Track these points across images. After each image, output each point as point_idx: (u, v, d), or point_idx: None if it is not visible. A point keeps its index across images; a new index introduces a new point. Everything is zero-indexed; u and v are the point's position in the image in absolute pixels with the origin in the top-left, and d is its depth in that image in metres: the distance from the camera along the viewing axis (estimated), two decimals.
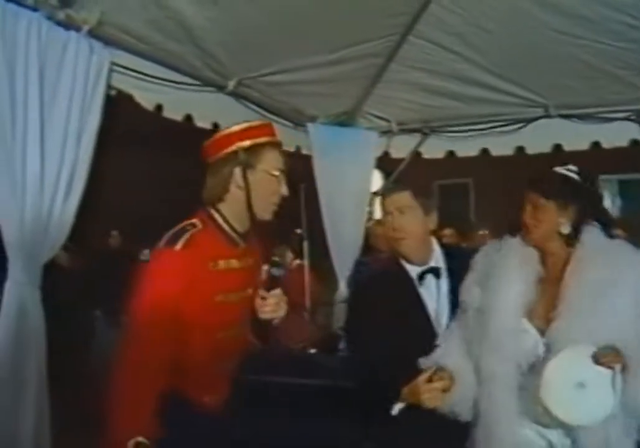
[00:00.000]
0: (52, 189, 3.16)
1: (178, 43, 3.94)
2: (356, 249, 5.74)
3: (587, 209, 2.34)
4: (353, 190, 5.64)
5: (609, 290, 2.18)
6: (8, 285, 3.08)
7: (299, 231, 6.56)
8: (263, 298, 2.40)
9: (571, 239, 2.32)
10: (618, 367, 2.04)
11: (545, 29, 4.22)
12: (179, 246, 2.21)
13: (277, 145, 2.42)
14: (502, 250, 2.45)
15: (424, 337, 2.59)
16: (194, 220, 2.32)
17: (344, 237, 5.67)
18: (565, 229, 2.31)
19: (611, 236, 2.37)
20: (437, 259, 2.77)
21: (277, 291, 2.42)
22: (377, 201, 4.77)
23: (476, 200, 11.59)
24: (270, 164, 2.35)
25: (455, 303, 2.56)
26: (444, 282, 2.71)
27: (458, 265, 2.60)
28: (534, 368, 2.22)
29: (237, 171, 2.31)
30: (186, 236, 2.24)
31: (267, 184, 2.35)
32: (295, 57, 4.49)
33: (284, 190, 2.40)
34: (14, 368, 3.06)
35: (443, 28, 4.44)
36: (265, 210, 2.37)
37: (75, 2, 3.30)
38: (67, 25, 3.30)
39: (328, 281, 6.01)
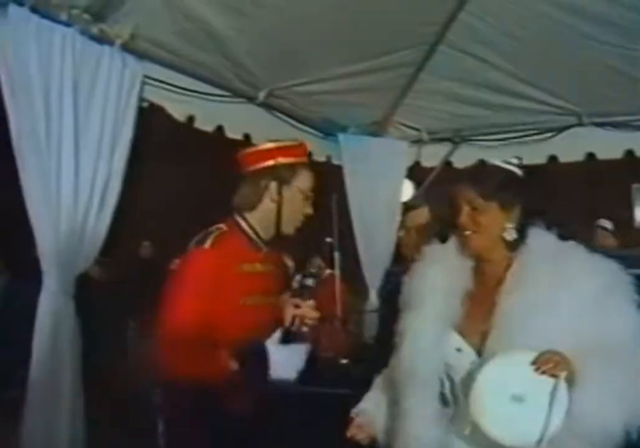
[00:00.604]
0: (86, 200, 3.22)
1: (209, 55, 3.99)
2: (387, 258, 5.71)
3: (532, 208, 2.01)
4: (383, 199, 5.63)
5: (555, 296, 1.84)
6: (43, 295, 3.14)
7: (329, 240, 6.56)
8: (297, 306, 2.47)
9: (514, 244, 1.98)
10: (563, 374, 1.70)
11: (577, 37, 4.17)
12: (207, 245, 2.31)
13: (309, 166, 2.52)
14: (424, 261, 2.14)
15: None
16: (220, 225, 2.42)
17: (374, 246, 5.66)
18: (510, 235, 1.97)
19: (562, 237, 2.03)
20: None
21: (311, 302, 2.49)
22: None
23: None
24: (304, 183, 2.46)
25: None
26: None
27: None
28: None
29: (274, 185, 2.42)
30: (214, 236, 2.34)
31: (297, 202, 2.46)
32: (325, 68, 4.51)
33: (310, 210, 2.50)
34: (49, 376, 3.11)
35: (473, 37, 4.42)
36: (290, 225, 2.47)
37: (108, 17, 3.36)
38: (101, 39, 3.37)
39: (359, 290, 5.99)
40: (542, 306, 1.84)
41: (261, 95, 4.52)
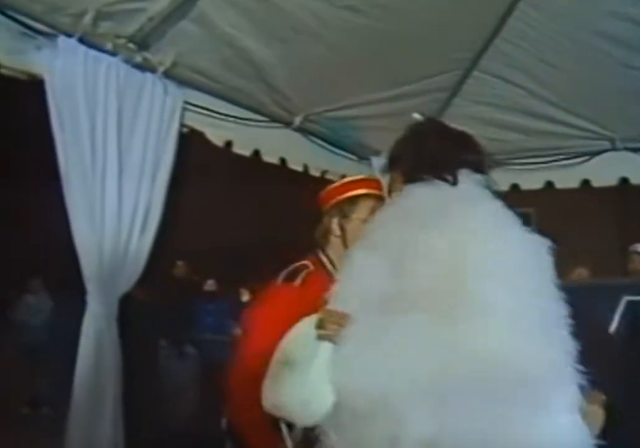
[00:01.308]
0: (129, 225, 3.29)
1: (247, 81, 4.05)
2: None
3: (414, 168, 1.84)
4: None
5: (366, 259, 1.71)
6: (87, 317, 3.21)
7: None
8: None
9: None
10: (323, 333, 1.64)
11: (611, 63, 4.19)
12: (297, 283, 2.43)
13: (374, 196, 2.59)
14: None
15: None
16: (306, 262, 2.54)
17: None
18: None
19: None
20: None
21: None
22: None
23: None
24: (363, 213, 2.54)
25: None
26: None
27: None
28: None
29: (336, 221, 2.55)
30: (302, 275, 2.46)
31: (360, 231, 2.49)
32: (360, 93, 4.55)
33: None
34: (92, 396, 3.18)
35: (508, 62, 4.45)
36: None
37: (151, 45, 3.44)
38: (144, 67, 3.45)
39: None
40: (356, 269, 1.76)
41: (297, 120, 4.57)
